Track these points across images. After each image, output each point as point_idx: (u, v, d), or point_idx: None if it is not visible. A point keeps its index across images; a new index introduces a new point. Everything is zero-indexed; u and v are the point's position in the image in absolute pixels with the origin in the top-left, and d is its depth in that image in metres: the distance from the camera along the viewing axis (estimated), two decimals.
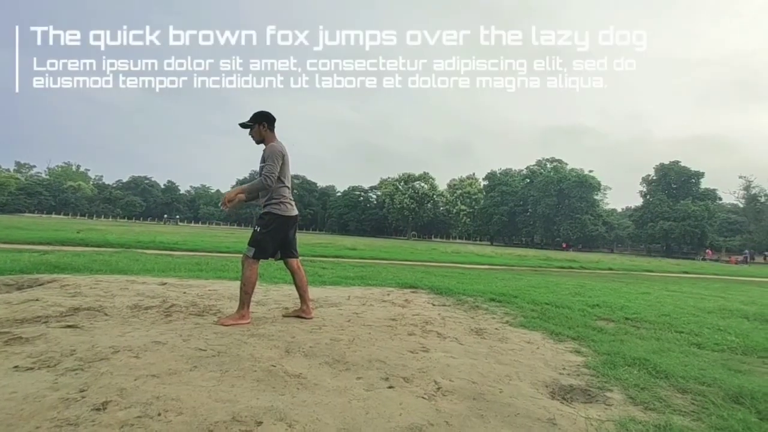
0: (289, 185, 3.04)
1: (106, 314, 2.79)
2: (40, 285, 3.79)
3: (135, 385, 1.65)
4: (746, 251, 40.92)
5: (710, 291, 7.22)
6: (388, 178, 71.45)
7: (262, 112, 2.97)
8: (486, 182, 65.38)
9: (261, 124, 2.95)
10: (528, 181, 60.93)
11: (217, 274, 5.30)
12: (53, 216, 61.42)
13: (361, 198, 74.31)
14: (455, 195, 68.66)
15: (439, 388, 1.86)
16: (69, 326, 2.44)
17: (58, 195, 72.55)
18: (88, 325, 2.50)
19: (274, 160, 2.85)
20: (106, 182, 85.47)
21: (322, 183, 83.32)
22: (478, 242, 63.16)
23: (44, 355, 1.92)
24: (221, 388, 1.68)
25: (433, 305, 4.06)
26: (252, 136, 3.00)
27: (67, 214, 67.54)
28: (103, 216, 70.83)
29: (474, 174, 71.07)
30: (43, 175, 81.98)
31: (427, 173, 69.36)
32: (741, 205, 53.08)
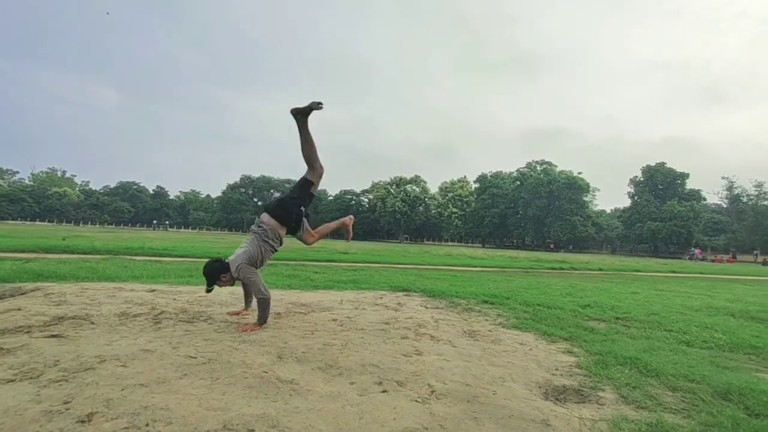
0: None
1: (92, 323, 2.72)
2: (22, 294, 3.69)
3: (122, 395, 1.60)
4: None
5: (697, 290, 7.35)
6: (380, 181, 71.58)
7: (209, 270, 2.86)
8: (477, 185, 65.88)
9: (220, 277, 2.85)
10: (518, 183, 61.57)
11: None
12: (37, 223, 59.97)
13: (353, 201, 74.22)
14: (447, 198, 69.01)
15: (433, 392, 1.85)
16: (53, 336, 2.37)
17: (42, 201, 70.90)
18: (73, 334, 2.44)
19: (255, 274, 2.84)
20: (93, 188, 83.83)
21: None
22: (469, 244, 63.52)
23: (26, 366, 1.86)
24: (212, 396, 1.65)
25: (426, 308, 4.05)
26: (226, 286, 2.95)
27: (52, 221, 65.99)
28: (90, 222, 69.44)
29: (465, 176, 71.57)
30: (27, 181, 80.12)
31: (419, 176, 69.68)
32: (724, 206, 54.44)
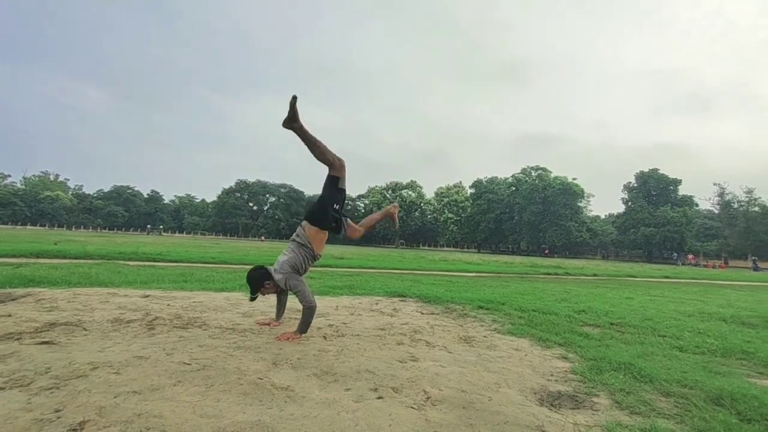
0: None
1: (84, 329, 2.69)
2: (12, 300, 3.64)
3: (115, 402, 1.59)
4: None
5: (689, 295, 7.42)
6: (376, 186, 71.68)
7: (253, 278, 2.86)
8: (472, 190, 66.20)
9: (264, 284, 2.86)
10: (513, 188, 61.92)
11: (203, 285, 5.19)
12: (29, 227, 59.18)
13: (349, 206, 74.13)
14: (442, 203, 69.27)
15: (428, 398, 1.85)
16: (44, 342, 2.34)
17: (34, 205, 70.11)
18: (65, 340, 2.41)
19: (301, 282, 2.83)
20: (87, 192, 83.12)
21: (309, 191, 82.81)
22: (465, 250, 63.64)
23: (16, 373, 1.84)
24: (206, 403, 1.63)
25: (422, 314, 4.05)
26: (269, 293, 2.94)
27: (44, 225, 65.20)
28: (83, 227, 68.66)
29: (460, 182, 71.95)
30: (19, 185, 79.18)
31: (414, 181, 69.92)
32: (716, 212, 55.13)
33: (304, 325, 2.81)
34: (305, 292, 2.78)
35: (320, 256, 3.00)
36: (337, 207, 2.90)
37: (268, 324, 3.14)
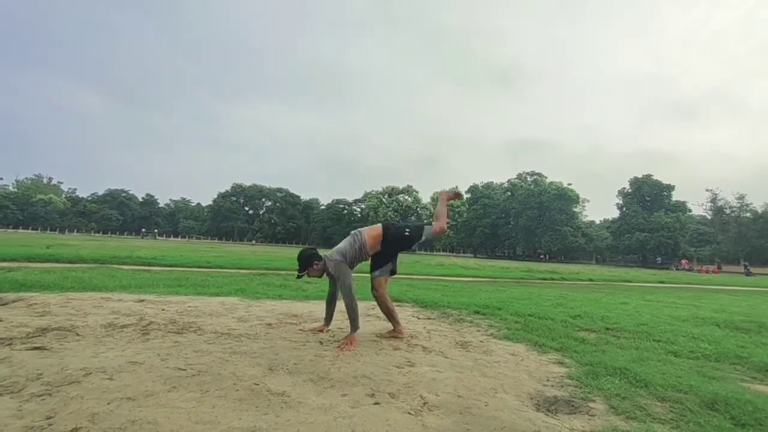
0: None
1: (77, 334, 2.66)
2: (4, 304, 3.59)
3: (108, 409, 1.57)
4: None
5: (683, 300, 7.46)
6: (372, 191, 71.71)
7: (303, 256, 2.98)
8: (468, 195, 66.44)
9: (313, 264, 2.97)
10: (509, 194, 62.27)
11: (198, 290, 5.15)
12: (20, 230, 58.44)
13: (345, 211, 74.08)
14: None
15: (425, 403, 1.84)
16: (36, 348, 2.31)
17: (26, 209, 69.38)
18: (58, 346, 2.38)
19: (347, 271, 2.96)
20: (81, 195, 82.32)
21: (305, 196, 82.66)
22: (461, 254, 63.72)
23: (7, 380, 1.81)
24: (202, 409, 1.62)
25: (418, 318, 4.05)
26: (314, 276, 3.04)
27: (36, 229, 64.40)
28: (76, 230, 67.92)
29: (456, 187, 72.11)
30: (11, 188, 78.28)
31: (411, 186, 70.04)
32: (709, 217, 55.70)
33: (352, 320, 2.87)
34: (346, 282, 2.87)
35: (369, 256, 3.10)
36: (406, 236, 3.18)
37: (322, 330, 3.17)
